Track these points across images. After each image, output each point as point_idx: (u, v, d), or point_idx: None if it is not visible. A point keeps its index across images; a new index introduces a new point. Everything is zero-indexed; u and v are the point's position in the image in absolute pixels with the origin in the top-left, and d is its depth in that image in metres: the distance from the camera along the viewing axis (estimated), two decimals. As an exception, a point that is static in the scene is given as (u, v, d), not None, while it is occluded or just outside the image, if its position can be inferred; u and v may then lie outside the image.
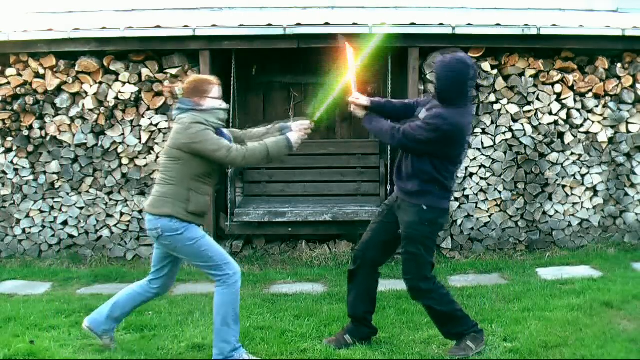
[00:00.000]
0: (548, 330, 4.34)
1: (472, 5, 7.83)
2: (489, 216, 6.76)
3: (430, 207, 3.89)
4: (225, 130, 3.97)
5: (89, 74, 6.62)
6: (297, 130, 4.06)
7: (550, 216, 6.78)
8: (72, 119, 6.69)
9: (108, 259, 6.71)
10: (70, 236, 6.79)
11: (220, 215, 7.09)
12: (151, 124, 6.66)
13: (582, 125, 6.74)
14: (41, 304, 5.22)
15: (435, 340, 4.20)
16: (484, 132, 6.67)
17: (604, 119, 6.74)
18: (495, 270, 6.17)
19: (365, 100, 4.14)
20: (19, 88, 6.65)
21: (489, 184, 6.72)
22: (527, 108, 6.69)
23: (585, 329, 4.35)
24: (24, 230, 6.79)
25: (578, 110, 6.73)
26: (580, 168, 6.77)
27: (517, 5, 7.87)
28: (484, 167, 6.70)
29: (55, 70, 6.61)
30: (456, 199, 6.68)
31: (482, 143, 6.66)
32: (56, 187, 6.75)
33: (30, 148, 6.71)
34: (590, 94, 6.72)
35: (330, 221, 6.75)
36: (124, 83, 6.62)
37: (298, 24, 6.40)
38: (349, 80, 4.18)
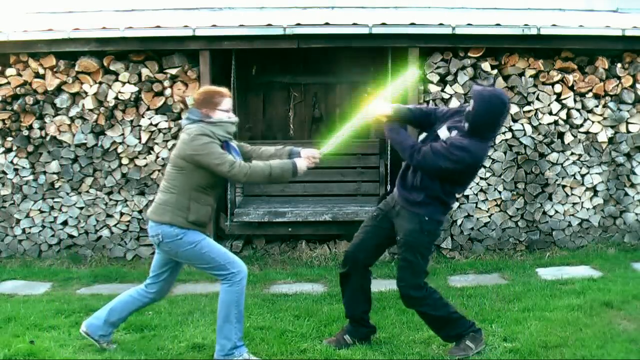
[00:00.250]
0: (548, 330, 4.34)
1: (472, 5, 7.82)
2: (489, 216, 6.76)
3: (431, 219, 3.95)
4: (233, 143, 3.94)
5: (89, 74, 6.62)
6: (305, 157, 4.02)
7: (550, 216, 6.78)
8: (72, 119, 6.68)
9: (108, 259, 6.71)
10: (70, 236, 6.79)
11: (220, 215, 7.09)
12: (151, 124, 6.66)
13: (582, 125, 6.74)
14: (41, 304, 5.22)
15: (435, 340, 4.20)
16: (484, 132, 6.66)
17: (604, 119, 6.73)
18: (495, 270, 6.17)
19: (387, 109, 4.10)
20: (19, 88, 6.65)
21: (489, 184, 6.72)
22: (527, 108, 6.69)
23: (585, 329, 4.36)
24: (24, 230, 6.79)
25: (578, 110, 6.73)
26: (580, 168, 6.77)
27: (517, 5, 7.87)
28: (484, 167, 6.68)
29: (55, 70, 6.61)
30: (456, 199, 6.68)
31: (482, 143, 6.66)
32: (56, 187, 6.75)
33: (30, 148, 6.71)
34: (590, 94, 6.72)
35: (330, 221, 6.76)
36: (123, 83, 6.62)
37: (298, 24, 6.40)
38: (363, 117, 4.16)
